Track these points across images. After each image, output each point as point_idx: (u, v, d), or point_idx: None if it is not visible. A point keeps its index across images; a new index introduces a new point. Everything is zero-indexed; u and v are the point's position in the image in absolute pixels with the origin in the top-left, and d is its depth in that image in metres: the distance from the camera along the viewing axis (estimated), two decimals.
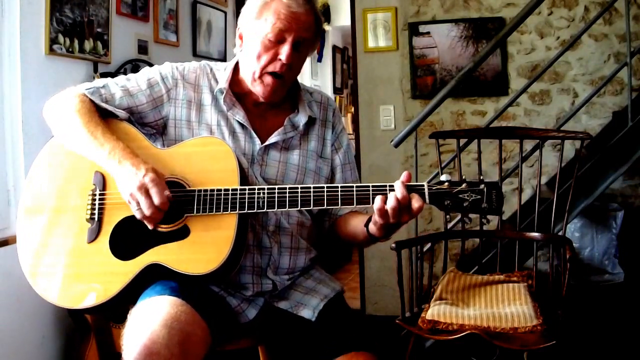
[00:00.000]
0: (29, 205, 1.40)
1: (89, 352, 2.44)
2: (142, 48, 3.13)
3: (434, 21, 3.35)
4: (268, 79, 1.40)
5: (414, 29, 3.36)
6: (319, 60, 6.35)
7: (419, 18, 3.37)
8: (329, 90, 6.54)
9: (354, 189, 1.26)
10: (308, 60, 6.68)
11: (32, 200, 1.40)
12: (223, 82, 1.45)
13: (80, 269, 1.33)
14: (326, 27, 6.22)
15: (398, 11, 3.37)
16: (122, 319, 2.49)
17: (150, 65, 3.10)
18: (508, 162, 3.25)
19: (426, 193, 1.24)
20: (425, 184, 1.25)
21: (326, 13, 6.14)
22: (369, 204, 1.26)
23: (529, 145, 2.78)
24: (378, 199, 1.22)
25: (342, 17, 6.20)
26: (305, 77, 5.98)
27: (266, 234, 1.41)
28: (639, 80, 3.12)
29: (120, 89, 1.43)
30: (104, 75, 2.76)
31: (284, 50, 1.37)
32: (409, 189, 1.23)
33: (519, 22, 2.62)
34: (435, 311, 1.86)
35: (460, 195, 1.24)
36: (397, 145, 2.78)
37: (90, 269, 1.32)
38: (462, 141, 2.50)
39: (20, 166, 2.37)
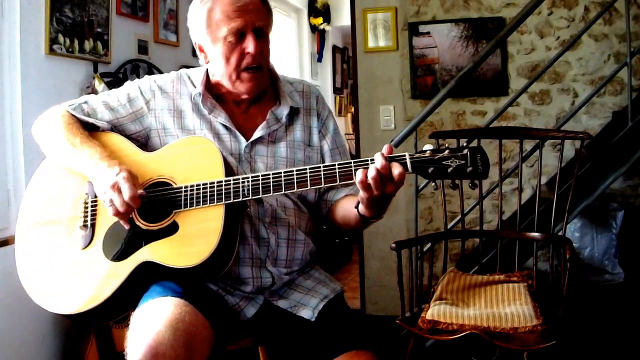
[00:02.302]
0: (27, 221, 1.44)
1: (89, 352, 2.44)
2: (142, 48, 3.13)
3: (434, 21, 3.35)
4: (246, 75, 1.42)
5: (414, 29, 3.36)
6: (319, 60, 6.35)
7: (419, 18, 3.37)
8: (329, 90, 6.54)
9: (337, 166, 1.26)
10: (308, 60, 6.63)
11: (29, 216, 1.44)
12: (198, 86, 1.46)
13: (76, 276, 1.34)
14: (326, 27, 6.21)
15: (398, 11, 3.37)
16: (122, 320, 2.50)
17: (150, 65, 3.12)
18: (508, 162, 3.25)
19: (408, 162, 1.23)
20: (406, 153, 1.24)
21: (326, 13, 6.15)
22: (352, 179, 1.25)
23: (529, 145, 2.78)
24: (359, 172, 1.22)
25: (342, 17, 6.20)
26: (305, 77, 5.98)
27: (263, 225, 1.42)
28: (639, 80, 3.12)
29: (101, 103, 1.48)
30: (104, 75, 2.76)
31: (249, 44, 1.39)
32: (390, 159, 1.22)
33: (519, 22, 2.62)
34: (435, 311, 1.86)
35: (444, 162, 1.22)
36: (397, 145, 2.78)
37: (85, 275, 1.34)
38: (462, 141, 2.50)
39: (20, 166, 2.37)
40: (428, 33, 3.36)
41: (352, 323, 1.41)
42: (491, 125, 2.88)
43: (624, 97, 3.07)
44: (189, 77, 1.52)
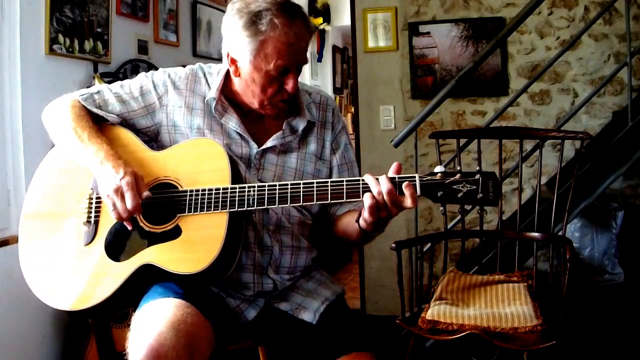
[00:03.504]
0: (31, 212, 1.43)
1: (89, 352, 2.44)
2: (142, 48, 3.13)
3: (434, 21, 3.35)
4: (277, 105, 1.41)
5: (414, 29, 3.36)
6: (319, 60, 6.35)
7: (419, 18, 3.37)
8: (329, 91, 6.54)
9: (344, 183, 1.26)
10: (308, 61, 6.64)
11: (33, 207, 1.43)
12: (214, 91, 1.43)
13: (77, 271, 1.34)
14: (326, 27, 6.21)
15: (398, 11, 3.37)
16: (122, 320, 2.51)
17: (150, 65, 3.12)
18: (508, 162, 3.25)
19: (417, 184, 1.22)
20: (417, 175, 1.23)
21: (326, 13, 6.15)
22: (359, 197, 1.25)
23: (529, 145, 2.78)
24: (368, 201, 1.21)
25: (342, 17, 6.20)
26: (305, 77, 5.98)
27: (267, 233, 1.41)
28: (639, 80, 3.12)
29: (113, 95, 1.45)
30: (104, 75, 2.76)
31: (290, 82, 1.37)
32: (399, 179, 1.21)
33: (519, 22, 2.62)
34: (435, 311, 1.86)
35: (455, 186, 1.21)
36: (397, 145, 2.78)
37: (86, 272, 1.33)
38: (462, 141, 2.50)
39: (20, 166, 2.37)
40: (428, 33, 3.36)
41: (353, 324, 1.41)
42: (491, 125, 2.88)
43: (624, 97, 3.07)
44: (204, 75, 1.48)
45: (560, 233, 2.13)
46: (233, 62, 1.40)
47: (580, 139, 2.10)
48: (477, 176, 1.21)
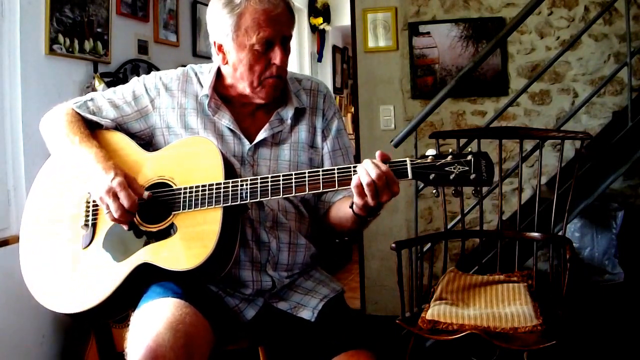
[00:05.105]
0: (31, 219, 1.44)
1: (89, 352, 2.44)
2: (142, 48, 3.13)
3: (434, 21, 3.35)
4: (268, 83, 1.41)
5: (414, 29, 3.36)
6: (319, 60, 6.35)
7: (419, 18, 3.37)
8: None
9: (335, 171, 1.25)
10: (308, 60, 6.60)
11: (34, 214, 1.44)
12: (206, 88, 1.45)
13: (75, 275, 1.34)
14: (326, 27, 6.21)
15: (398, 11, 3.37)
16: (122, 319, 2.50)
17: (150, 65, 3.12)
18: (508, 162, 3.25)
19: (408, 167, 1.21)
20: (407, 159, 1.22)
21: (326, 13, 6.15)
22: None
23: (529, 145, 2.78)
24: (354, 178, 1.20)
25: (342, 17, 6.20)
26: None
27: (264, 230, 1.41)
28: (639, 80, 3.12)
29: (106, 101, 1.47)
30: (104, 75, 2.76)
31: (277, 55, 1.37)
32: (390, 165, 1.20)
33: (519, 22, 2.62)
34: (435, 311, 1.86)
35: (447, 168, 1.20)
36: (397, 145, 2.78)
37: (85, 275, 1.34)
38: (462, 141, 2.50)
39: (20, 166, 2.37)
40: (428, 33, 3.36)
41: (352, 322, 1.41)
42: (491, 125, 2.88)
43: (624, 97, 3.07)
44: (196, 75, 1.50)
45: (560, 233, 2.13)
46: (220, 49, 1.43)
47: (580, 139, 2.10)
48: (469, 157, 1.20)
